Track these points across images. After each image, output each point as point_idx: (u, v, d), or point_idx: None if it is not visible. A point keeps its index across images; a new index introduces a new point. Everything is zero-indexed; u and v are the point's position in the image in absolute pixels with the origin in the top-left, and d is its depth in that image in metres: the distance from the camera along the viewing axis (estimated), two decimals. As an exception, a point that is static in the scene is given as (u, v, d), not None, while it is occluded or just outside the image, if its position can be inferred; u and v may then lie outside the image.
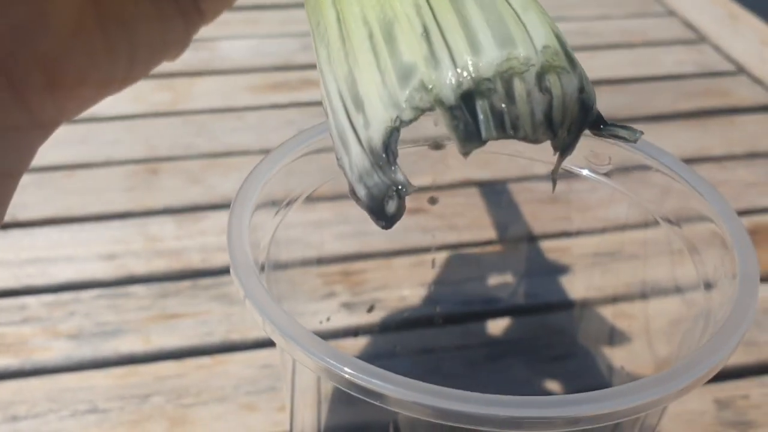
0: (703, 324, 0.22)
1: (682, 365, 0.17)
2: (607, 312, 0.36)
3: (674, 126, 0.54)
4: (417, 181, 0.53)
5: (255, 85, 0.57)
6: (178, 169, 0.48)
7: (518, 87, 0.15)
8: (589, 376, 0.35)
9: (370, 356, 0.36)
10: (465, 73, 0.14)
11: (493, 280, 0.41)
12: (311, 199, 0.31)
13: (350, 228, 0.43)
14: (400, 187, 0.15)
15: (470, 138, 0.15)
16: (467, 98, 0.14)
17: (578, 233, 0.38)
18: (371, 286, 0.40)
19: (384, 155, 0.15)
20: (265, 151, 0.52)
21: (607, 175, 0.28)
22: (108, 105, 0.54)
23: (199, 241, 0.43)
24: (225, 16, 0.70)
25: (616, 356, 0.35)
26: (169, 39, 0.22)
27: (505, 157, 0.38)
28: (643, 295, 0.32)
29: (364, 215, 0.47)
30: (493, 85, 0.14)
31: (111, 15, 0.20)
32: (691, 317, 0.24)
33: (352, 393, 0.16)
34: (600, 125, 0.16)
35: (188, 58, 0.60)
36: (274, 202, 0.26)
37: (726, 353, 0.18)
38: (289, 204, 0.25)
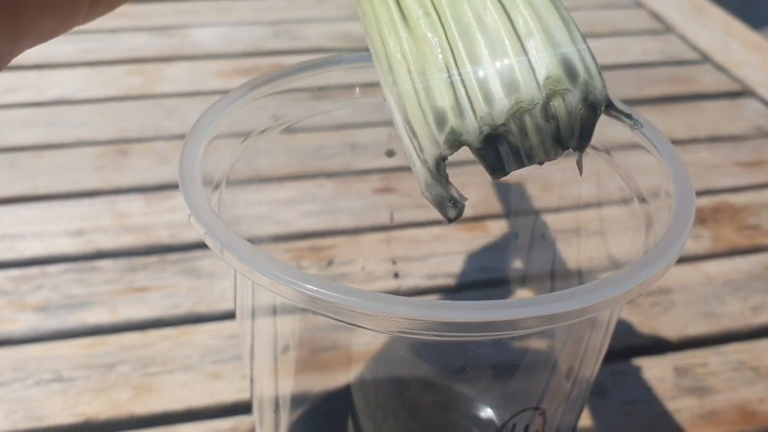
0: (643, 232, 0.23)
1: (626, 270, 0.18)
2: (567, 285, 0.36)
3: (639, 111, 0.55)
4: (391, 160, 0.53)
5: (225, 70, 0.57)
6: (148, 150, 0.49)
7: (528, 123, 0.17)
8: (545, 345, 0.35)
9: (335, 326, 0.36)
10: (484, 123, 0.17)
11: (457, 255, 0.41)
12: (281, 179, 0.31)
13: (318, 206, 0.44)
14: (454, 198, 0.19)
15: (496, 170, 0.18)
16: (490, 140, 0.17)
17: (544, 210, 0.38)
18: (339, 261, 0.40)
19: (438, 176, 0.18)
20: (237, 134, 0.52)
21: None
22: (78, 88, 0.55)
23: (168, 218, 0.43)
24: (197, 4, 0.72)
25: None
26: None
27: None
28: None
29: (332, 194, 0.47)
30: (507, 127, 0.17)
31: None
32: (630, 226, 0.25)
33: (310, 308, 0.16)
34: (608, 107, 0.18)
35: (159, 44, 0.61)
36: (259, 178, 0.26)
37: (668, 259, 0.18)
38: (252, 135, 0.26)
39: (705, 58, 0.62)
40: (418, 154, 0.19)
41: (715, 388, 0.35)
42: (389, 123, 0.36)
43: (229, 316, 0.37)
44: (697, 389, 0.35)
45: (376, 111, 0.31)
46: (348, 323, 0.17)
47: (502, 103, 0.17)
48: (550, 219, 0.37)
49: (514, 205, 0.44)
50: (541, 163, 0.18)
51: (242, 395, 0.33)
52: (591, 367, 0.22)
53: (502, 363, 0.23)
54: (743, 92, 0.58)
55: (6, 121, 0.50)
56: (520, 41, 0.17)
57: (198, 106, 0.53)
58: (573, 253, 0.34)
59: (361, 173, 0.46)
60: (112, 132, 0.50)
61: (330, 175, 0.47)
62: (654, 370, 0.36)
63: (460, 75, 0.18)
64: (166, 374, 0.34)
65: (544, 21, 0.18)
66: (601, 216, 0.28)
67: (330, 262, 0.40)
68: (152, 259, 0.40)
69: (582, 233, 0.33)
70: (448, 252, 0.42)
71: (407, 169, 0.48)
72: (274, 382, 0.25)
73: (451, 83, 0.18)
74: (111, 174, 0.46)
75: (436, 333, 0.15)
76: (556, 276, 0.35)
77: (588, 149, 0.24)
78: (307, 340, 0.25)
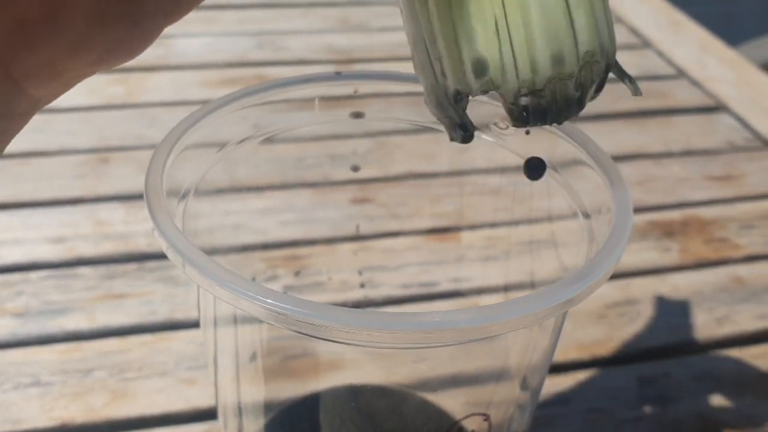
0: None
1: (568, 278, 0.19)
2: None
3: (614, 125, 0.56)
4: (364, 172, 0.54)
5: (208, 80, 0.58)
6: (130, 158, 0.49)
7: (560, 92, 0.19)
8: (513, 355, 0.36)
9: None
10: (524, 85, 0.18)
11: (431, 265, 0.42)
12: (259, 188, 0.32)
13: (295, 215, 0.45)
14: (465, 126, 0.20)
15: (519, 123, 0.19)
16: (524, 97, 0.19)
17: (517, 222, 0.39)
18: (313, 270, 0.41)
19: (456, 104, 0.19)
20: (217, 144, 0.53)
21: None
22: (62, 97, 0.55)
23: (147, 226, 0.43)
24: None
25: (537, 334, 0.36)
26: None
27: (450, 151, 0.39)
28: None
29: (310, 204, 0.48)
30: (543, 92, 0.19)
31: None
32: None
33: (270, 321, 0.17)
34: (616, 65, 0.19)
35: (143, 54, 0.61)
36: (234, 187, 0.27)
37: (608, 266, 0.19)
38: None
39: (681, 73, 0.63)
40: (437, 75, 0.19)
41: (677, 397, 0.36)
42: (360, 137, 0.37)
43: (205, 323, 0.38)
44: (660, 399, 0.36)
45: (352, 125, 0.32)
46: (305, 334, 0.17)
47: (545, 73, 0.18)
48: (523, 230, 0.38)
49: (488, 216, 0.45)
50: (560, 123, 0.19)
51: (215, 401, 0.34)
52: (538, 374, 0.23)
53: (449, 369, 0.24)
54: (717, 107, 0.59)
55: (-10, 128, 0.50)
56: (569, 12, 0.18)
57: (181, 115, 0.53)
58: (548, 264, 0.35)
59: (338, 184, 0.47)
60: (94, 141, 0.51)
61: (308, 185, 0.48)
62: (618, 379, 0.37)
63: (509, 33, 0.18)
64: (142, 380, 0.35)
65: None
66: (553, 229, 0.29)
67: (298, 273, 0.40)
68: (131, 266, 0.41)
69: (553, 245, 0.34)
70: (421, 262, 0.43)
71: (383, 180, 0.48)
72: (236, 390, 0.26)
73: (498, 37, 0.18)
74: (93, 182, 0.47)
75: (378, 344, 0.16)
76: (536, 285, 0.36)
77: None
78: (275, 349, 0.26)
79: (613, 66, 0.19)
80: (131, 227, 0.44)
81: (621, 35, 0.69)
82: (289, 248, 0.42)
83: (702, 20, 0.73)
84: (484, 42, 0.18)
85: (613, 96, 0.61)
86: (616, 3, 0.74)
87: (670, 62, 0.65)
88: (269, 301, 0.17)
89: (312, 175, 0.47)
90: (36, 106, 0.19)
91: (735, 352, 0.39)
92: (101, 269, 0.41)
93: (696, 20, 0.73)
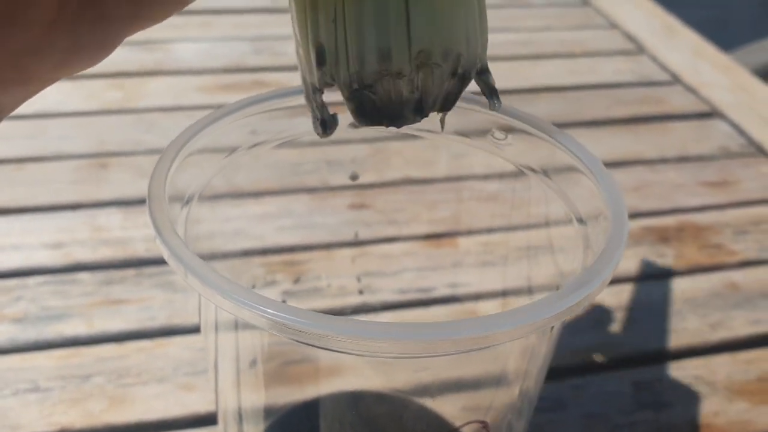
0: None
1: (562, 290, 0.19)
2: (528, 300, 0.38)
3: (609, 131, 0.56)
4: (361, 178, 0.54)
5: (206, 85, 0.59)
6: (128, 164, 0.50)
7: (392, 90, 0.18)
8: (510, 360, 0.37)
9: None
10: (354, 79, 0.18)
11: (428, 271, 0.42)
12: (258, 194, 0.32)
13: (293, 221, 0.45)
14: (324, 120, 0.19)
15: (358, 119, 0.19)
16: (357, 93, 0.18)
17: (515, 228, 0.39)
18: (312, 276, 0.41)
19: (314, 97, 0.19)
20: (215, 150, 0.53)
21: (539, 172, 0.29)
22: (59, 102, 0.55)
23: (145, 232, 0.44)
24: (179, 19, 0.73)
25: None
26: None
27: (447, 158, 0.40)
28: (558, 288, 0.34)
29: (308, 210, 0.48)
30: (374, 89, 0.18)
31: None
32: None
33: (270, 330, 0.17)
34: (480, 74, 0.19)
35: (140, 59, 0.62)
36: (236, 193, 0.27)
37: (603, 278, 0.19)
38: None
39: (675, 79, 0.64)
40: (301, 67, 0.19)
41: (671, 402, 0.36)
42: (357, 143, 0.37)
43: (203, 328, 0.38)
44: (655, 403, 0.36)
45: (350, 131, 0.33)
46: (306, 344, 0.18)
47: (372, 68, 0.17)
48: (520, 236, 0.39)
49: (485, 222, 0.45)
50: (398, 127, 0.19)
51: (213, 406, 0.34)
52: (536, 380, 0.24)
53: (449, 375, 0.24)
54: (711, 113, 0.59)
55: (-12, 133, 0.51)
56: (406, 5, 0.17)
57: (179, 120, 0.54)
58: (545, 270, 0.35)
59: (336, 189, 0.47)
60: (92, 146, 0.51)
61: (307, 190, 0.48)
62: (613, 384, 0.37)
63: (344, 21, 0.17)
64: (140, 385, 0.35)
65: None
66: (550, 235, 0.30)
67: (297, 279, 0.41)
68: (129, 272, 0.41)
69: (550, 250, 0.34)
70: (419, 267, 0.43)
71: (380, 186, 0.49)
72: (236, 396, 0.26)
73: (335, 24, 0.18)
74: (90, 187, 0.47)
75: (380, 354, 0.17)
76: (533, 291, 0.37)
77: (529, 171, 0.25)
78: (275, 354, 0.26)
79: (471, 76, 0.18)
80: (129, 233, 0.44)
81: (616, 41, 0.70)
82: (287, 254, 0.42)
83: (695, 25, 0.73)
84: (324, 30, 0.18)
85: (607, 102, 0.61)
86: (610, 8, 0.75)
87: (664, 68, 0.65)
88: (270, 311, 0.17)
89: (310, 180, 0.47)
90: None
91: (729, 358, 0.39)
92: (99, 275, 0.41)
93: (689, 24, 0.73)
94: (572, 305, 0.18)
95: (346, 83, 0.18)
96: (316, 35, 0.18)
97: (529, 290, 0.37)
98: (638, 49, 0.68)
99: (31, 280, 0.40)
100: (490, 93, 0.19)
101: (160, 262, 0.42)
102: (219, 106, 0.28)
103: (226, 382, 0.25)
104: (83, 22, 0.18)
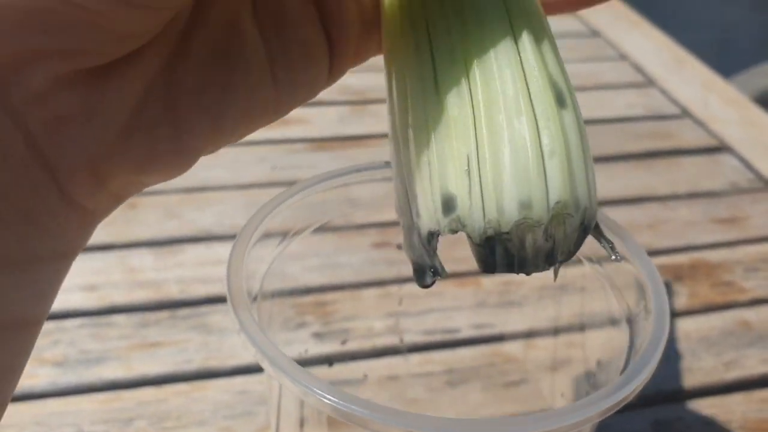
0: (627, 353, 0.25)
1: (601, 392, 0.20)
2: (552, 341, 0.39)
3: (623, 167, 0.58)
4: (384, 216, 0.55)
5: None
6: (156, 203, 0.51)
7: (528, 238, 0.19)
8: (536, 399, 0.38)
9: (342, 382, 0.39)
10: (490, 226, 0.18)
11: (454, 311, 0.44)
12: (287, 234, 0.34)
13: (320, 260, 0.46)
14: (436, 269, 0.20)
15: (487, 268, 0.19)
16: (490, 240, 0.18)
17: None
18: (341, 317, 0.43)
19: (428, 247, 0.19)
20: (240, 187, 0.55)
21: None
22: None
23: (177, 272, 0.45)
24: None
25: (559, 381, 0.38)
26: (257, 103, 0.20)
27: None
28: (581, 327, 0.35)
29: (334, 249, 0.49)
30: (510, 236, 0.18)
31: (187, 92, 0.18)
32: (617, 347, 0.27)
33: (334, 416, 0.19)
34: (595, 228, 0.20)
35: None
36: (269, 234, 0.29)
37: (639, 382, 0.21)
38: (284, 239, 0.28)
39: (685, 113, 0.65)
40: (412, 216, 0.19)
41: (690, 442, 0.38)
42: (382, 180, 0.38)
43: (239, 371, 0.39)
44: (674, 444, 0.37)
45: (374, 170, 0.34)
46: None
47: (512, 216, 0.18)
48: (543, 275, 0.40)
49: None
50: (528, 274, 0.19)
51: (252, 450, 0.36)
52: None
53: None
54: (720, 147, 0.61)
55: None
56: (543, 159, 0.18)
57: (204, 159, 0.55)
58: (570, 309, 0.37)
59: (360, 227, 0.49)
60: (121, 185, 0.52)
61: (332, 229, 0.49)
62: (635, 424, 0.38)
63: (479, 172, 0.18)
64: (181, 429, 0.36)
65: (568, 143, 0.18)
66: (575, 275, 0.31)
67: (326, 321, 0.42)
68: (163, 314, 0.42)
69: (580, 290, 0.35)
70: (444, 308, 0.44)
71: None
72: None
73: (469, 176, 0.18)
74: (121, 228, 0.49)
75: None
76: (559, 332, 0.38)
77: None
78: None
79: (591, 228, 0.19)
80: (161, 274, 0.45)
81: (626, 74, 0.71)
82: (315, 294, 0.44)
83: (699, 47, 0.75)
84: (454, 180, 0.18)
85: (620, 136, 0.63)
86: (619, 39, 0.76)
87: (674, 101, 0.67)
88: (335, 399, 0.19)
89: (335, 219, 0.49)
90: (89, 219, 0.19)
91: (743, 397, 0.40)
92: (135, 317, 0.42)
93: (693, 47, 0.75)
94: (611, 405, 0.20)
95: (480, 230, 0.18)
96: (444, 184, 0.19)
97: (555, 331, 0.39)
98: (648, 81, 0.70)
99: (69, 323, 0.42)
100: (604, 241, 0.21)
101: (193, 303, 0.43)
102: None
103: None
104: (160, 130, 0.18)
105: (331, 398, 0.18)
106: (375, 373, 0.40)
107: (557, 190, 0.18)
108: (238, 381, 0.39)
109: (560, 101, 0.19)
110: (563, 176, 0.18)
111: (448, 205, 0.18)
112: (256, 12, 0.20)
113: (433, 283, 0.20)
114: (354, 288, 0.45)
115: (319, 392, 0.19)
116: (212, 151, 0.20)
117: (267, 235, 0.30)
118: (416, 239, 0.19)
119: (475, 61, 0.19)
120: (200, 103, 0.19)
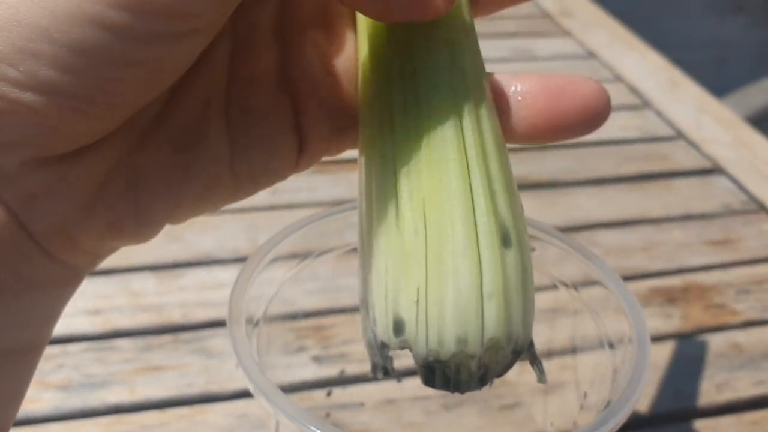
0: (611, 378, 0.26)
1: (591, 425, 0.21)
2: (545, 364, 0.40)
3: (617, 189, 0.59)
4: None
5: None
6: (158, 227, 0.52)
7: (464, 367, 0.21)
8: (530, 423, 0.39)
9: (339, 407, 0.40)
10: (432, 354, 0.21)
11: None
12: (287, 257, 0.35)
13: (319, 284, 0.47)
14: (387, 370, 0.22)
15: (427, 383, 0.21)
16: (431, 364, 0.21)
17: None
18: (340, 340, 0.44)
19: (382, 351, 0.21)
20: (240, 210, 0.55)
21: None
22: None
23: (179, 296, 0.46)
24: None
25: (551, 404, 0.39)
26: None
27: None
28: (573, 350, 0.36)
29: (332, 273, 0.50)
30: (448, 364, 0.21)
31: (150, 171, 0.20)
32: (606, 371, 0.28)
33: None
34: (528, 352, 0.22)
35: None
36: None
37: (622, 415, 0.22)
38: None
39: (679, 134, 0.66)
40: (369, 320, 0.21)
41: (682, 465, 0.38)
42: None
43: (239, 395, 0.40)
44: (666, 467, 0.38)
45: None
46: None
47: (450, 349, 0.20)
48: (543, 297, 0.41)
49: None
50: (462, 393, 0.22)
51: (252, 474, 0.37)
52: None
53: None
54: (714, 169, 0.62)
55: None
56: (482, 301, 0.20)
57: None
58: (564, 333, 0.38)
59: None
60: (124, 209, 0.53)
61: (329, 251, 0.50)
62: (627, 448, 0.39)
63: (426, 306, 0.20)
64: (183, 453, 0.37)
65: (507, 283, 0.20)
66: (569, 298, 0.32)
67: (325, 345, 0.43)
68: (166, 338, 0.43)
69: (573, 314, 0.36)
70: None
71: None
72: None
73: (417, 307, 0.21)
74: (124, 251, 0.49)
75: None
76: (553, 355, 0.39)
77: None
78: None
79: (524, 351, 0.21)
80: (164, 298, 0.46)
81: (621, 95, 0.72)
82: (314, 318, 0.45)
83: (694, 66, 0.76)
84: (405, 306, 0.21)
85: (614, 159, 0.64)
86: (615, 60, 0.77)
87: (668, 123, 0.68)
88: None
89: (333, 242, 0.50)
90: (73, 273, 0.21)
91: (735, 419, 0.41)
92: (138, 341, 0.43)
93: (688, 67, 0.76)
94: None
95: (422, 355, 0.21)
96: (396, 308, 0.21)
97: (548, 354, 0.40)
98: (643, 103, 0.71)
99: (73, 347, 0.43)
100: (536, 363, 0.23)
101: (195, 327, 0.44)
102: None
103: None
104: (121, 206, 0.20)
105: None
106: (372, 398, 0.41)
107: (491, 329, 0.20)
108: (239, 405, 0.40)
109: (506, 242, 0.21)
110: (498, 316, 0.20)
111: (398, 326, 0.21)
112: (228, 107, 0.21)
113: (385, 377, 0.22)
114: (353, 312, 0.46)
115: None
116: (175, 224, 0.22)
117: (273, 260, 0.31)
118: (372, 341, 0.21)
119: (433, 200, 0.21)
120: (160, 186, 0.20)
